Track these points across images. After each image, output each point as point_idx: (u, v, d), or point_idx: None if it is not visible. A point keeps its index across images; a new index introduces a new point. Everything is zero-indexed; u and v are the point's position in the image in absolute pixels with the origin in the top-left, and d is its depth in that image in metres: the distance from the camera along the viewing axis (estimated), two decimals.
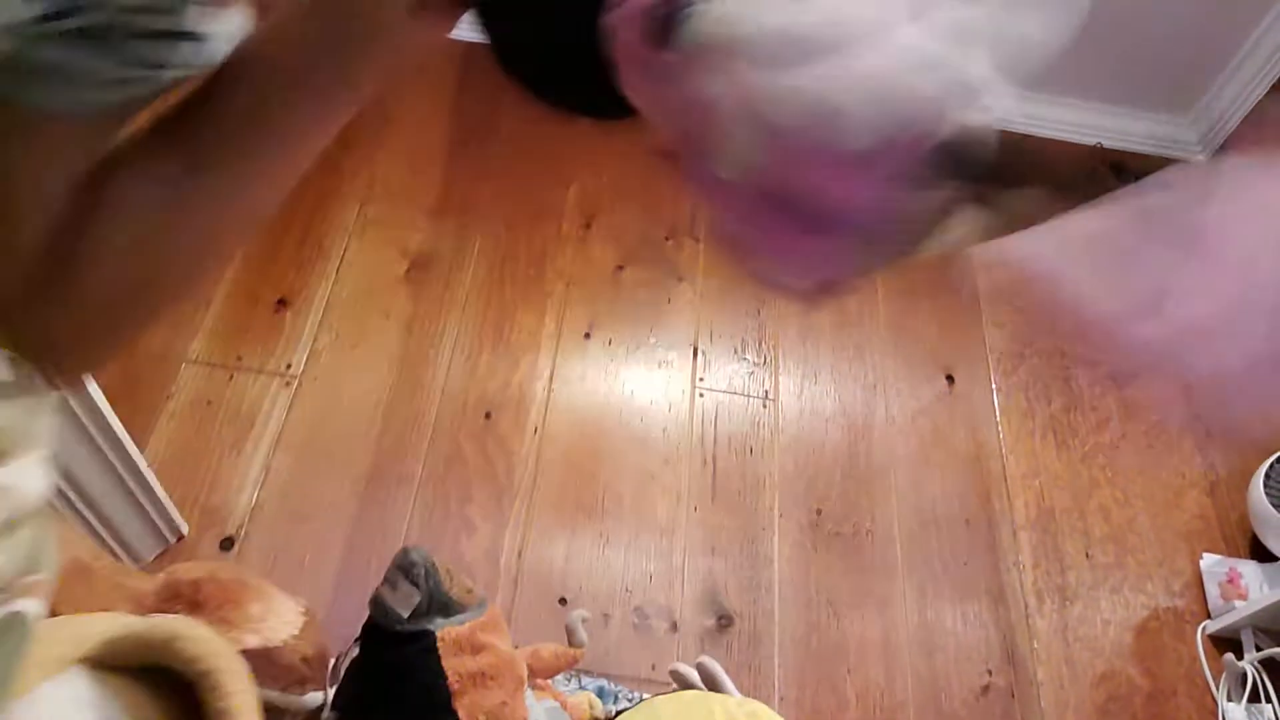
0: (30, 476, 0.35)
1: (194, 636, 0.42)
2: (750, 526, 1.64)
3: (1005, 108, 0.32)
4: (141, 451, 1.31)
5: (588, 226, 1.98)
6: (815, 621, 1.56)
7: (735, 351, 1.86)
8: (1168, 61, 2.20)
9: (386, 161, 2.00)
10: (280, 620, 0.79)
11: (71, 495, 1.21)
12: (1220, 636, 1.61)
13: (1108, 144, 2.29)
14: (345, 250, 1.85)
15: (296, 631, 0.80)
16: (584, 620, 1.05)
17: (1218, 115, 2.26)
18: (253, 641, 0.75)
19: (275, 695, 0.73)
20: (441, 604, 0.83)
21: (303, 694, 0.74)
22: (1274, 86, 2.10)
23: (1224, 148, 2.27)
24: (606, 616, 1.50)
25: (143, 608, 0.75)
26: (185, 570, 0.78)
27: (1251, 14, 2.08)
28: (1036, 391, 1.89)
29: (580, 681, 1.35)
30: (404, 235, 1.89)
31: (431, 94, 2.13)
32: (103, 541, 1.31)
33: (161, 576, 0.77)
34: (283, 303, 1.76)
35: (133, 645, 0.42)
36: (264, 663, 0.73)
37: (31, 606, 0.36)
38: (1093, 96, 2.31)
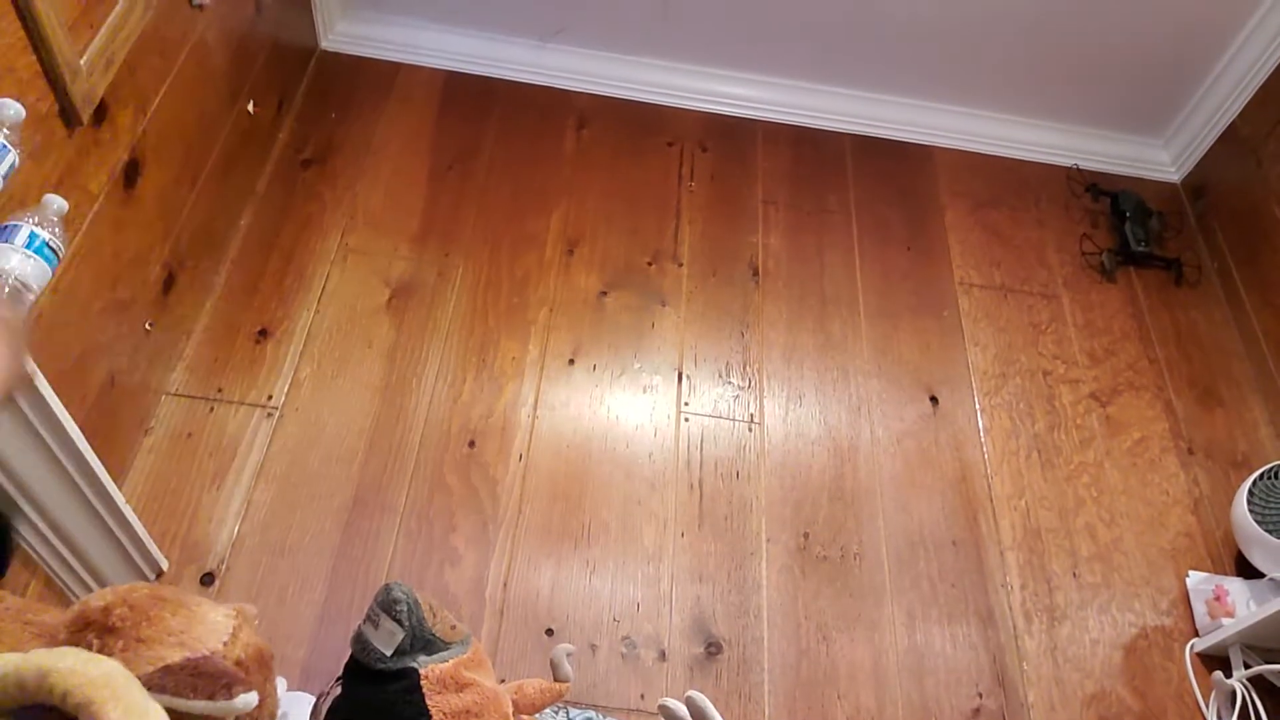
0: None
1: (64, 669, 0.40)
2: (738, 552, 1.63)
3: None
4: (119, 486, 1.29)
5: (570, 252, 1.98)
6: (805, 647, 1.54)
7: (720, 375, 1.86)
8: (1142, 84, 2.25)
9: (368, 190, 2.00)
10: (205, 629, 0.76)
11: (47, 532, 1.18)
12: (1208, 654, 1.61)
13: (1084, 165, 2.32)
14: (327, 279, 1.84)
15: (226, 638, 0.77)
16: (569, 654, 1.04)
17: (1190, 137, 2.31)
18: (175, 656, 0.72)
19: (202, 705, 0.70)
20: (425, 641, 0.81)
21: (231, 698, 0.71)
22: (1244, 108, 2.15)
23: (1196, 169, 2.30)
24: (594, 646, 1.49)
25: (55, 642, 0.72)
26: (96, 598, 0.75)
27: (1222, 39, 2.12)
28: (1020, 411, 1.90)
29: (568, 713, 1.33)
30: (386, 264, 1.89)
31: (412, 122, 2.13)
32: (79, 578, 1.29)
33: (75, 608, 0.75)
34: (264, 333, 1.74)
35: (10, 686, 0.41)
36: (189, 675, 0.71)
37: None
38: (1068, 119, 2.35)
